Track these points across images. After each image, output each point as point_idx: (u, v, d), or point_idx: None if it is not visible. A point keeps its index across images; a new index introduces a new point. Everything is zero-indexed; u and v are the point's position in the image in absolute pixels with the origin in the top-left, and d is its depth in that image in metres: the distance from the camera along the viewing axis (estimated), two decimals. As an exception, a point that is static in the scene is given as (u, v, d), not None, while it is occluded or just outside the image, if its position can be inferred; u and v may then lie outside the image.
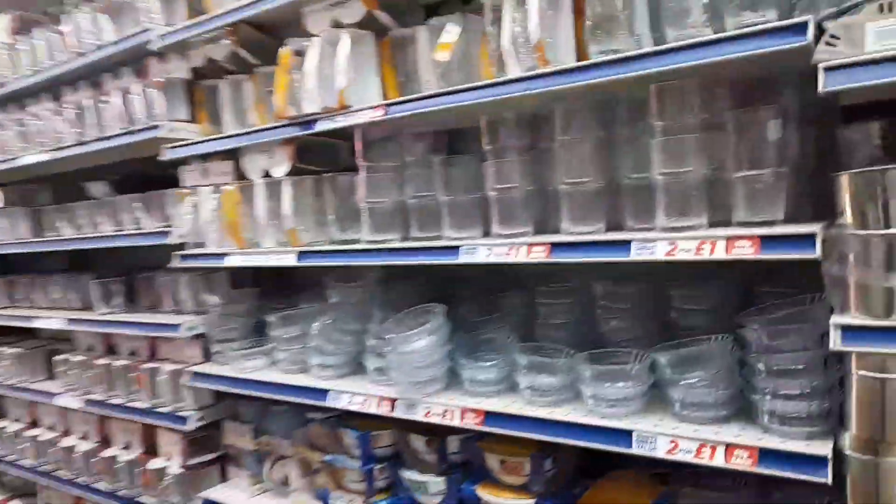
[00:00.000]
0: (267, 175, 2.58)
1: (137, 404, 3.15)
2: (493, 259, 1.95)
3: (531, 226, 1.99)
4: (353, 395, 2.32)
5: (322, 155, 2.57)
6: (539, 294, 2.25)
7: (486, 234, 2.09)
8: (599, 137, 1.86)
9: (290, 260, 2.45)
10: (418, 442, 2.30)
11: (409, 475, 2.30)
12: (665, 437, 1.70)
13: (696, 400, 1.73)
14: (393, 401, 2.22)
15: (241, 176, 2.69)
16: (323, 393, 2.41)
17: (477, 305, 2.35)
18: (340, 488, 2.50)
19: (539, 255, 1.86)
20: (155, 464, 3.13)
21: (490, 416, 2.01)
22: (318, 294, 2.86)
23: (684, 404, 1.76)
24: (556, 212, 1.98)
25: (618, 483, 2.09)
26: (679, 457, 1.67)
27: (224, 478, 3.07)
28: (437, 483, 2.23)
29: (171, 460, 3.10)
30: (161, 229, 2.94)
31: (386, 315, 2.42)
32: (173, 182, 2.97)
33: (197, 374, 2.89)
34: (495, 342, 2.24)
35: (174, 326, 2.91)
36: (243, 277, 3.22)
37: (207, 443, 3.08)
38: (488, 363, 2.12)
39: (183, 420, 2.94)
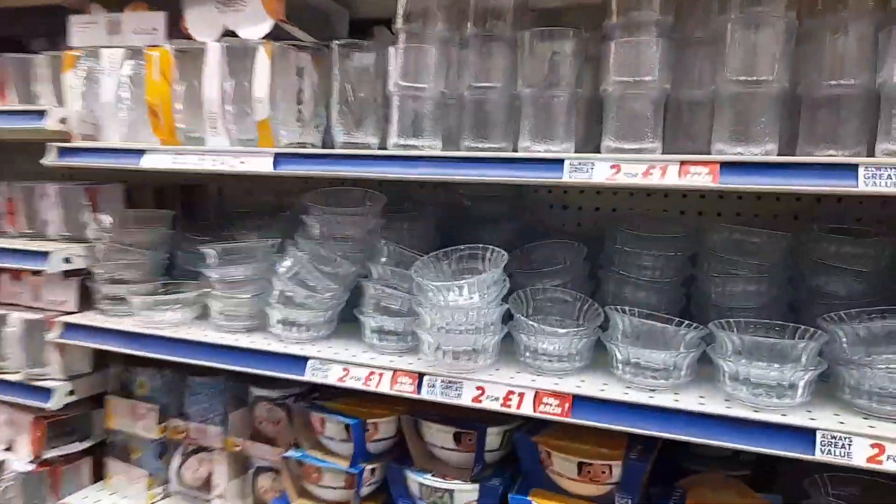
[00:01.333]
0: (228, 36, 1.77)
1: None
2: (619, 180, 1.37)
3: (658, 142, 1.44)
4: (352, 366, 1.62)
5: (313, 24, 1.81)
6: (616, 241, 1.71)
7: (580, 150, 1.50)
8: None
9: (261, 164, 1.67)
10: (441, 435, 1.66)
11: (422, 479, 1.65)
12: (863, 440, 1.24)
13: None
14: (419, 375, 1.56)
15: (176, 35, 1.84)
16: (298, 362, 1.67)
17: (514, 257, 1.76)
18: (305, 496, 1.78)
19: (699, 179, 1.31)
20: (-16, 456, 2.15)
21: (580, 403, 1.43)
22: (263, 226, 2.09)
23: (877, 394, 1.31)
24: (697, 126, 1.47)
25: (714, 489, 1.61)
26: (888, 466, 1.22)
27: (99, 477, 2.18)
28: (466, 492, 1.62)
29: (14, 452, 2.14)
30: (31, 108, 1.98)
31: (399, 257, 1.75)
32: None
33: (71, 327, 1.98)
34: (554, 303, 1.66)
35: (40, 255, 1.97)
36: (141, 199, 2.33)
37: (76, 427, 2.17)
38: (564, 330, 1.53)
39: (44, 393, 2.01)
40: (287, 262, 1.80)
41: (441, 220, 2.01)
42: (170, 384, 2.04)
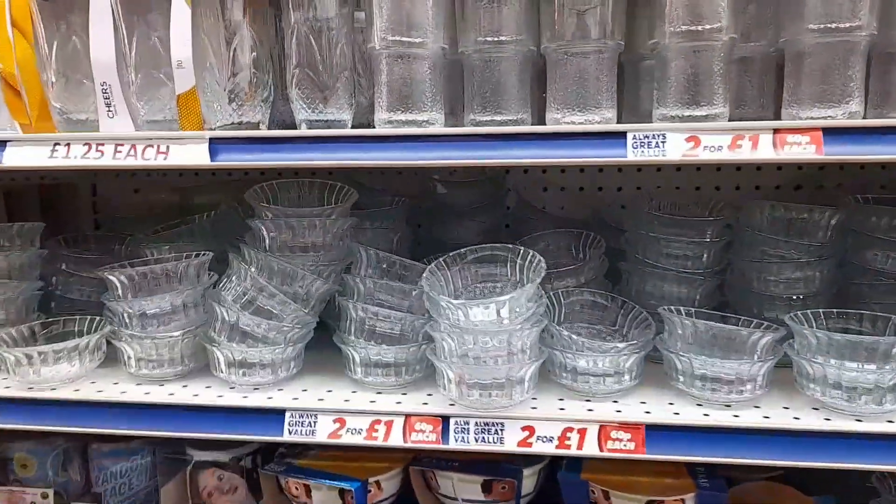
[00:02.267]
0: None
1: None
2: (700, 155, 1.09)
3: (727, 106, 1.17)
4: (348, 414, 1.24)
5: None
6: (640, 226, 1.46)
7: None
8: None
9: (192, 155, 1.20)
10: (466, 486, 1.33)
11: (444, 543, 1.32)
12: None
13: None
14: (442, 420, 1.21)
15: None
16: (271, 417, 1.26)
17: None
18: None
19: (798, 151, 1.07)
20: None
21: (655, 433, 1.17)
22: (174, 237, 1.61)
23: None
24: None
25: (767, 496, 1.43)
26: None
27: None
28: (504, 550, 1.31)
29: None
30: None
31: (384, 265, 1.38)
32: None
33: None
34: (584, 307, 1.38)
35: None
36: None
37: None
38: (623, 345, 1.26)
39: None
40: (235, 283, 1.35)
41: (410, 214, 1.64)
42: (66, 458, 1.52)
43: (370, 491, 1.33)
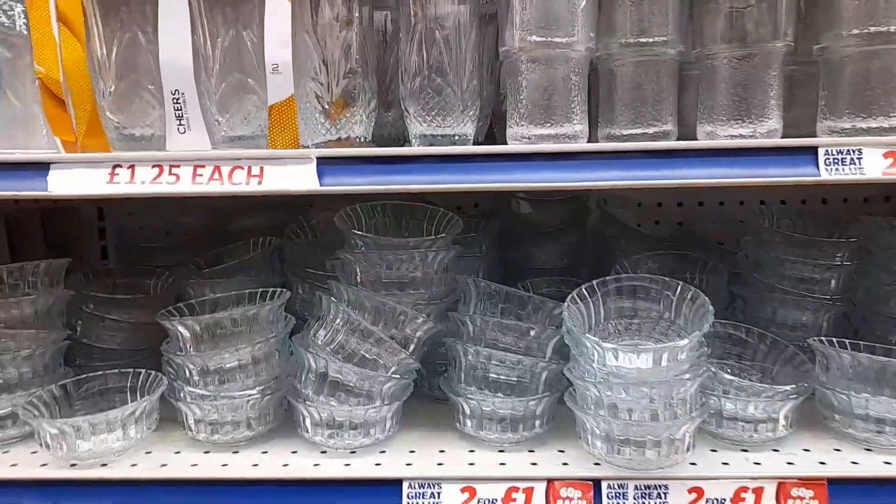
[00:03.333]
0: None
1: None
2: (901, 174, 0.96)
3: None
4: (477, 482, 1.05)
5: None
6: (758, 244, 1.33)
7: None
8: None
9: (296, 177, 0.99)
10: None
11: None
12: None
13: None
14: (593, 484, 1.04)
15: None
16: (385, 490, 1.05)
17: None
18: None
19: None
20: None
21: (838, 488, 1.03)
22: (227, 273, 1.40)
23: None
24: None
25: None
26: None
27: None
28: None
29: None
30: None
31: (494, 299, 1.20)
32: None
33: None
34: (715, 339, 1.24)
35: None
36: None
37: None
38: (788, 387, 1.11)
39: None
40: (323, 326, 1.14)
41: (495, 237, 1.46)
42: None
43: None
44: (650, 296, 1.12)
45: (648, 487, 1.03)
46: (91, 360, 1.35)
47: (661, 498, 1.03)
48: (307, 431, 1.14)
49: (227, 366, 1.15)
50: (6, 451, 1.18)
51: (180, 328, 1.14)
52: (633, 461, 1.03)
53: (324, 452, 1.13)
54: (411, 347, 1.16)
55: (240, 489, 1.08)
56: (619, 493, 1.03)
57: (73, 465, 1.10)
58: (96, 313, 1.36)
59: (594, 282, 1.11)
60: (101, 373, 1.23)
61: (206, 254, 1.49)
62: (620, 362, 0.99)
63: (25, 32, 1.06)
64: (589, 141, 1.05)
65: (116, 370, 1.23)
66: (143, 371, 1.22)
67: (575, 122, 1.02)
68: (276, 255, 1.47)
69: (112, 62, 1.02)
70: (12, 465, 1.12)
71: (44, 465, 1.12)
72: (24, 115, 1.09)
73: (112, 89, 1.03)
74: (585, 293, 1.11)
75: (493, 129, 1.27)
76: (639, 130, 1.05)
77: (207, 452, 1.15)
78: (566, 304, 1.08)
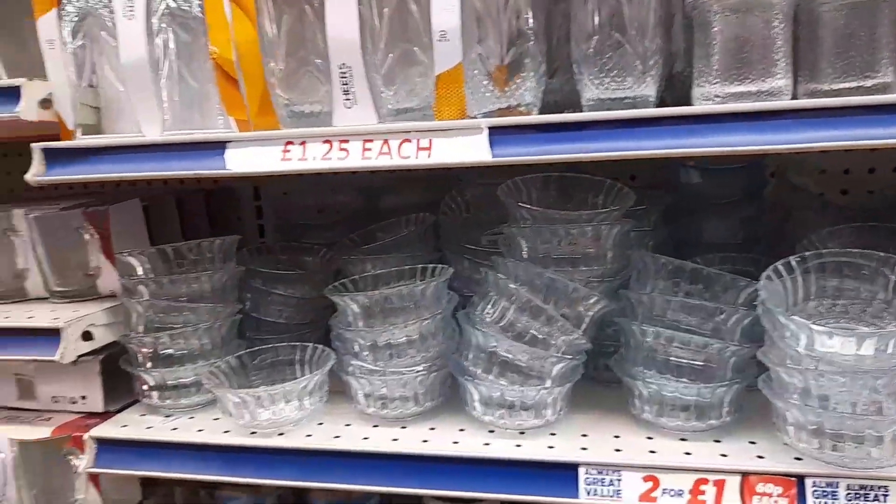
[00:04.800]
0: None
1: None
2: None
3: None
4: (662, 472, 0.98)
5: None
6: None
7: None
8: None
9: (466, 148, 0.95)
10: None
11: None
12: None
13: None
14: (797, 479, 0.93)
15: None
16: (561, 474, 1.01)
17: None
18: None
19: None
20: None
21: None
22: (384, 248, 1.39)
23: None
24: None
25: None
26: None
27: None
28: None
29: None
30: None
31: (674, 275, 1.11)
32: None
33: (110, 446, 1.21)
34: None
35: (41, 336, 1.18)
36: (163, 220, 1.54)
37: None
38: None
39: (80, 555, 1.24)
40: (489, 303, 1.10)
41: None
42: (283, 506, 1.33)
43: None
44: (861, 274, 0.99)
45: (864, 488, 0.91)
46: (260, 333, 1.40)
47: (878, 501, 0.91)
48: (475, 410, 1.12)
49: (396, 341, 1.15)
50: (192, 417, 1.25)
51: (351, 304, 1.15)
52: (847, 458, 0.92)
53: (492, 432, 1.11)
54: (583, 327, 1.10)
55: (410, 464, 1.08)
56: (828, 493, 0.92)
57: (252, 432, 1.15)
58: (263, 288, 1.41)
59: (792, 258, 1.00)
60: (272, 346, 1.28)
61: (359, 231, 1.50)
62: (835, 348, 0.88)
63: (200, 14, 1.09)
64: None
65: (287, 343, 1.27)
66: (312, 345, 1.25)
67: (777, 76, 0.90)
68: (431, 232, 1.46)
69: (282, 39, 1.03)
70: (199, 430, 1.19)
71: (226, 431, 1.18)
72: (200, 95, 1.13)
73: (282, 67, 1.04)
74: (782, 270, 0.99)
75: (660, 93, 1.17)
76: (851, 84, 0.91)
77: (377, 426, 1.16)
78: (762, 280, 0.97)
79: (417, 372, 1.14)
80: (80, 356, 1.22)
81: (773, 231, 1.43)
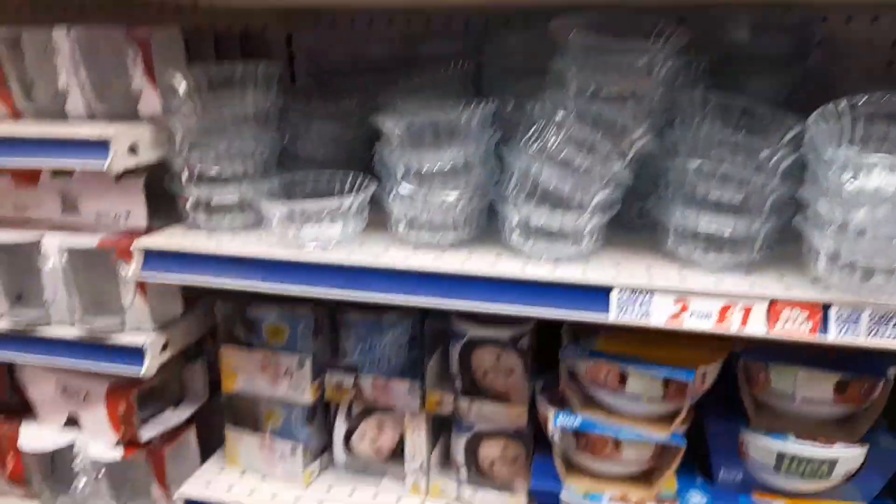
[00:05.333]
0: None
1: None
2: None
3: None
4: (693, 297, 1.04)
5: None
6: None
7: None
8: None
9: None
10: (813, 384, 1.13)
11: (784, 445, 1.15)
12: None
13: None
14: (823, 307, 0.99)
15: None
16: (594, 295, 1.07)
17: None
18: (583, 473, 1.25)
19: None
20: (41, 441, 1.49)
21: None
22: (419, 87, 1.39)
23: None
24: None
25: None
26: None
27: (207, 453, 1.56)
28: (852, 459, 1.13)
29: (88, 434, 1.48)
30: None
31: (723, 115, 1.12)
32: None
33: (156, 257, 1.27)
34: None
35: (91, 147, 1.21)
36: (199, 54, 1.53)
37: (165, 391, 1.52)
38: None
39: (129, 355, 1.33)
40: (534, 133, 1.12)
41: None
42: (317, 328, 1.40)
43: (694, 383, 1.15)
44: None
45: (885, 316, 0.97)
46: (297, 169, 1.43)
47: (896, 328, 0.97)
48: (512, 238, 1.16)
49: (437, 168, 1.17)
50: (234, 237, 1.30)
51: (395, 128, 1.17)
52: (873, 288, 0.97)
53: (526, 260, 1.16)
54: (627, 159, 1.12)
55: (449, 281, 1.13)
56: (851, 319, 0.98)
57: (295, 249, 1.20)
58: (301, 123, 1.42)
59: (843, 100, 1.00)
60: (313, 173, 1.31)
61: (396, 78, 1.49)
62: (879, 180, 0.90)
63: None
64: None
65: (329, 171, 1.30)
66: (353, 173, 1.28)
67: None
68: (471, 80, 1.45)
69: None
70: (242, 245, 1.24)
71: (269, 247, 1.22)
72: None
73: None
74: (832, 111, 1.00)
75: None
76: None
77: (415, 250, 1.21)
78: (811, 120, 0.99)
79: (458, 199, 1.17)
80: (126, 170, 1.26)
81: (816, 95, 1.42)
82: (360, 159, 1.46)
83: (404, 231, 1.22)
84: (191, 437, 1.53)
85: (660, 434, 1.15)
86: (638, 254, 1.19)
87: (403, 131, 1.17)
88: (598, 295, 1.07)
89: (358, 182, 1.27)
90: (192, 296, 1.47)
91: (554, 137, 1.09)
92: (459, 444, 1.38)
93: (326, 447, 1.50)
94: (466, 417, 1.35)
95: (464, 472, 1.39)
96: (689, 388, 1.13)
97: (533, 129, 1.13)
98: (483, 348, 1.30)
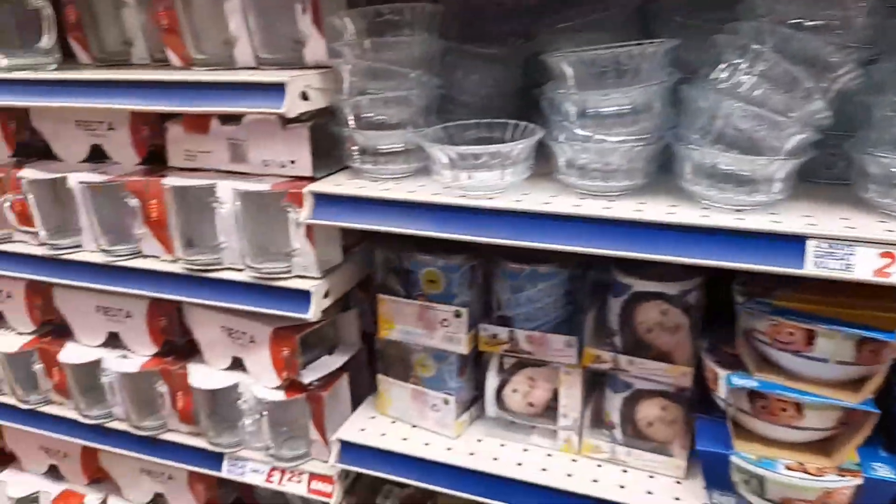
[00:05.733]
0: None
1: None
2: None
3: None
4: (905, 248, 0.97)
5: None
6: None
7: None
8: None
9: None
10: None
11: None
12: None
13: None
14: None
15: None
16: (791, 244, 1.03)
17: None
18: (755, 439, 1.22)
19: None
20: (207, 380, 1.63)
21: None
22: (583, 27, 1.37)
23: None
24: None
25: None
26: None
27: (357, 401, 1.65)
28: None
29: (251, 375, 1.61)
30: None
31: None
32: None
33: (326, 201, 1.35)
34: None
35: (264, 90, 1.29)
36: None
37: (322, 337, 1.62)
38: None
39: (294, 298, 1.42)
40: (723, 72, 1.08)
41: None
42: (472, 278, 1.43)
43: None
44: None
45: None
46: (454, 116, 1.45)
47: None
48: (689, 183, 1.13)
49: (608, 109, 1.16)
50: (398, 183, 1.35)
51: (566, 65, 1.16)
52: None
53: (706, 208, 1.13)
54: (828, 97, 1.06)
55: (622, 229, 1.12)
56: None
57: (462, 196, 1.23)
58: (458, 67, 1.44)
59: None
60: (475, 121, 1.33)
61: (549, 19, 1.47)
62: None
63: None
64: None
65: (492, 119, 1.32)
66: (516, 121, 1.29)
67: None
68: (636, 18, 1.41)
69: None
70: (409, 192, 1.28)
71: (436, 193, 1.26)
72: None
73: None
74: None
75: None
76: None
77: (583, 197, 1.21)
78: None
79: (631, 142, 1.15)
80: (299, 114, 1.33)
81: None
82: (514, 104, 1.47)
83: (571, 177, 1.22)
84: (344, 383, 1.61)
85: (851, 399, 1.10)
86: (832, 203, 1.12)
87: (578, 71, 1.17)
88: (792, 245, 1.02)
89: (523, 128, 1.28)
90: (346, 244, 1.54)
91: (747, 73, 1.06)
92: (615, 403, 1.38)
93: (476, 398, 1.54)
94: (625, 375, 1.35)
95: (618, 431, 1.39)
96: (886, 349, 1.07)
97: (719, 68, 1.10)
98: (648, 303, 1.28)
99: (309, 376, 1.53)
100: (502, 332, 1.41)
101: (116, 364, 1.71)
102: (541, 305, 1.38)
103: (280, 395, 1.53)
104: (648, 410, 1.34)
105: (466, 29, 1.71)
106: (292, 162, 1.44)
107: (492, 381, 1.46)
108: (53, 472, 2.08)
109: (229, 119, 1.47)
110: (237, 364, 1.62)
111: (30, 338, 1.87)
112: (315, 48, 1.41)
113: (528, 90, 1.44)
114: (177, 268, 1.53)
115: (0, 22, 1.65)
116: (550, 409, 1.44)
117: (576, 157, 1.19)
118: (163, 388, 1.67)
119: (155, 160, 1.62)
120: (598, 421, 1.44)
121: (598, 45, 1.21)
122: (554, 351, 1.38)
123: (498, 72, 1.47)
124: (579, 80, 1.16)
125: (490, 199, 1.22)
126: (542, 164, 1.27)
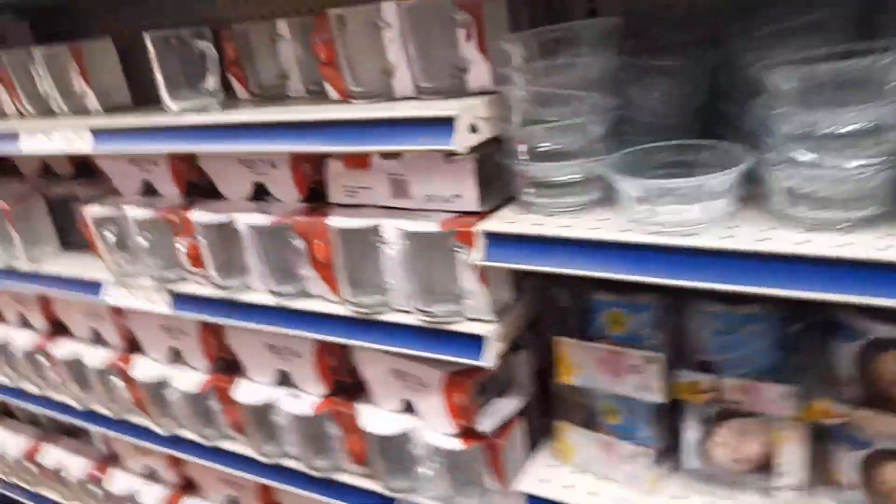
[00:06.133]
0: None
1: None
2: None
3: None
4: None
5: None
6: None
7: None
8: None
9: None
10: None
11: None
12: None
13: None
14: None
15: None
16: None
17: None
18: None
19: None
20: (382, 425, 1.62)
21: None
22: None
23: None
24: None
25: None
26: None
27: (533, 449, 1.58)
28: None
29: (423, 420, 1.59)
30: None
31: None
32: None
33: (500, 241, 1.27)
34: None
35: (433, 125, 1.24)
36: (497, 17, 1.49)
37: (496, 381, 1.56)
38: None
39: (468, 344, 1.37)
40: None
41: None
42: (665, 317, 1.31)
43: None
44: None
45: None
46: (630, 136, 1.33)
47: None
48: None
49: (840, 130, 1.00)
50: (575, 217, 1.25)
51: (783, 81, 1.02)
52: None
53: (972, 241, 0.94)
54: None
55: (864, 271, 0.96)
56: None
57: (656, 232, 1.12)
58: (634, 84, 1.31)
59: None
60: (663, 144, 1.21)
61: (739, 24, 1.31)
62: None
63: None
64: None
65: (686, 142, 1.19)
66: (716, 142, 1.15)
67: None
68: (853, 17, 1.22)
69: None
70: (592, 228, 1.18)
71: (624, 230, 1.15)
72: None
73: None
74: None
75: None
76: None
77: (808, 231, 1.05)
78: None
79: (868, 167, 0.99)
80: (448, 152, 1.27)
81: None
82: (698, 122, 1.34)
83: (793, 206, 1.07)
84: (520, 428, 1.54)
85: None
86: None
87: (797, 86, 1.02)
88: None
89: (723, 151, 1.15)
90: (517, 281, 1.47)
91: None
92: (850, 462, 1.21)
93: (669, 448, 1.42)
94: (863, 431, 1.17)
95: (854, 494, 1.22)
96: None
97: None
98: (892, 352, 1.11)
99: (485, 423, 1.47)
100: (705, 380, 1.28)
101: (289, 405, 1.75)
102: (750, 350, 1.24)
103: (456, 444, 1.48)
104: (893, 474, 1.17)
105: (638, 40, 1.59)
106: (457, 196, 1.39)
107: (693, 432, 1.33)
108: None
109: (390, 153, 1.45)
110: (408, 406, 1.61)
111: (206, 376, 1.97)
112: (478, 74, 1.34)
113: (713, 105, 1.31)
114: (343, 310, 1.53)
115: (168, 65, 1.73)
116: (763, 465, 1.30)
117: (798, 185, 1.04)
118: (334, 429, 1.69)
119: (316, 196, 1.64)
120: (820, 479, 1.28)
121: (811, 51, 1.06)
122: (768, 401, 1.23)
123: (677, 86, 1.33)
124: (802, 95, 1.01)
125: (691, 235, 1.10)
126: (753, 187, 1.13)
